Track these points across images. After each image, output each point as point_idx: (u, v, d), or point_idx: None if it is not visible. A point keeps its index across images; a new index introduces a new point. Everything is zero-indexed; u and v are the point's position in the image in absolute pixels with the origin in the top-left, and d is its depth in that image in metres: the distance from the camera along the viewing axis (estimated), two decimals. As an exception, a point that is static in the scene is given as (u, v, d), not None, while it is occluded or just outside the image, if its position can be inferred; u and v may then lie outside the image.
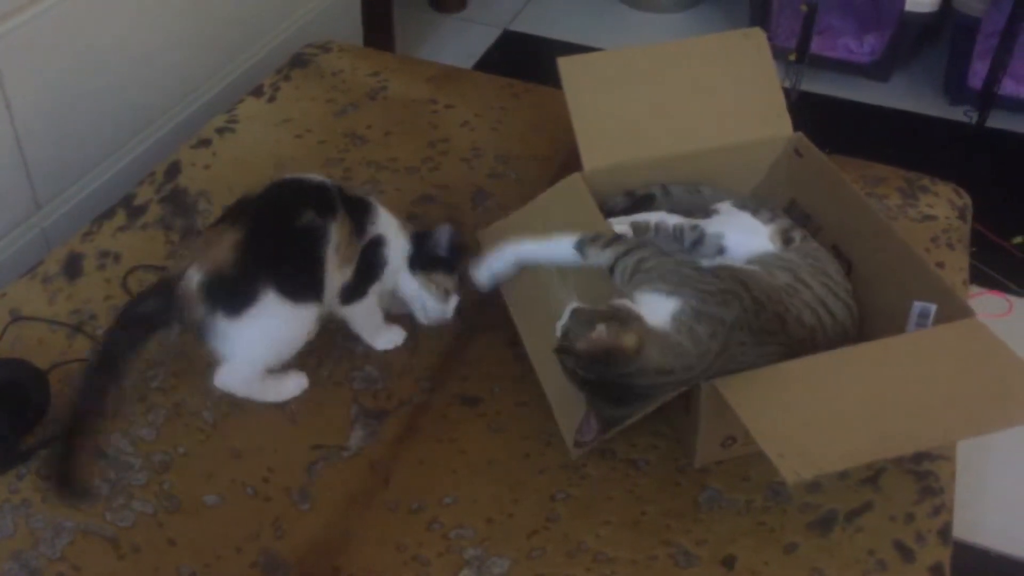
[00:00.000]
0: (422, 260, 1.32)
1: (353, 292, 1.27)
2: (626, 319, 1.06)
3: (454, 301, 1.33)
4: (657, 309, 1.09)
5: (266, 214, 1.22)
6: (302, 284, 1.21)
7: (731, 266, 1.22)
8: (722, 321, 1.08)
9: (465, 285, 1.34)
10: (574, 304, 1.09)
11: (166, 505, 1.13)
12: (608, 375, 1.05)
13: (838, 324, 1.20)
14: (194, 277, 1.17)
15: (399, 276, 1.32)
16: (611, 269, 1.19)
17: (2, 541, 1.08)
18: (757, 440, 1.01)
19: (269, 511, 1.13)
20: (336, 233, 1.22)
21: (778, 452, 1.00)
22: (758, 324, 1.12)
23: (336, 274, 1.24)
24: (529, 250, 1.30)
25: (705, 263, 1.24)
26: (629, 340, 1.04)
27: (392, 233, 1.31)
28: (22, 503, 1.12)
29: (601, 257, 1.20)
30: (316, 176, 1.29)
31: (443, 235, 1.33)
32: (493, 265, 1.32)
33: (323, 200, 1.24)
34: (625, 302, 1.10)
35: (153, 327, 1.20)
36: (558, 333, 1.08)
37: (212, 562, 1.08)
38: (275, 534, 1.11)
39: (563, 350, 1.07)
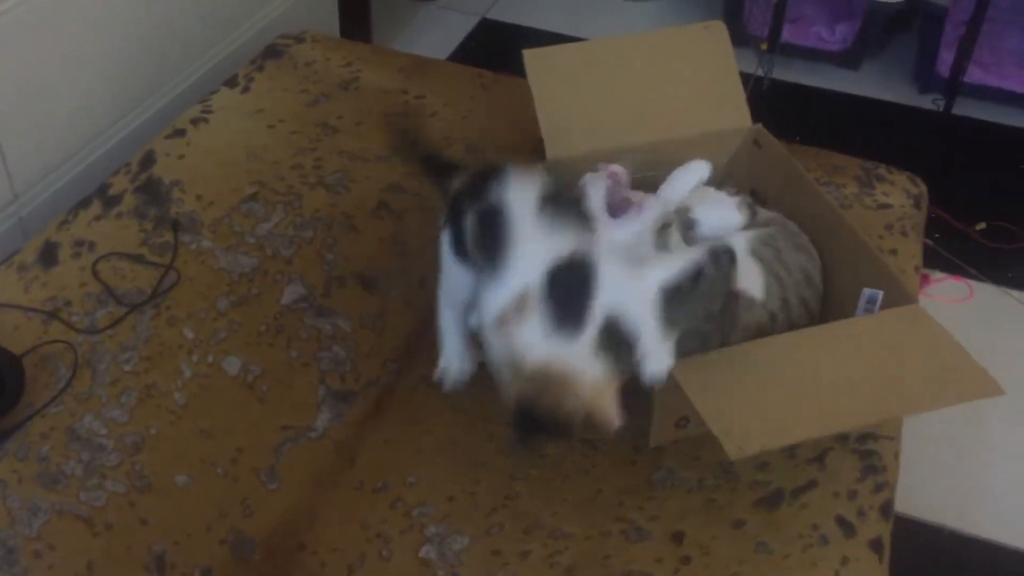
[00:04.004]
0: None
1: None
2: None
3: None
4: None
5: None
6: None
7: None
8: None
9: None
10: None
11: (138, 485, 1.17)
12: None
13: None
14: None
15: None
16: None
17: (-21, 520, 1.12)
18: (704, 418, 1.06)
19: (237, 491, 1.18)
20: None
21: (723, 429, 1.05)
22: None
23: None
24: None
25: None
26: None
27: None
28: (-2, 484, 1.16)
29: None
30: None
31: None
32: None
33: None
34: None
35: None
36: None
37: (182, 540, 1.12)
38: (243, 513, 1.15)
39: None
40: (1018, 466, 1.79)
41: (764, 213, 1.36)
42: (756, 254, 1.27)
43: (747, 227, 1.31)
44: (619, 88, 1.49)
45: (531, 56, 1.46)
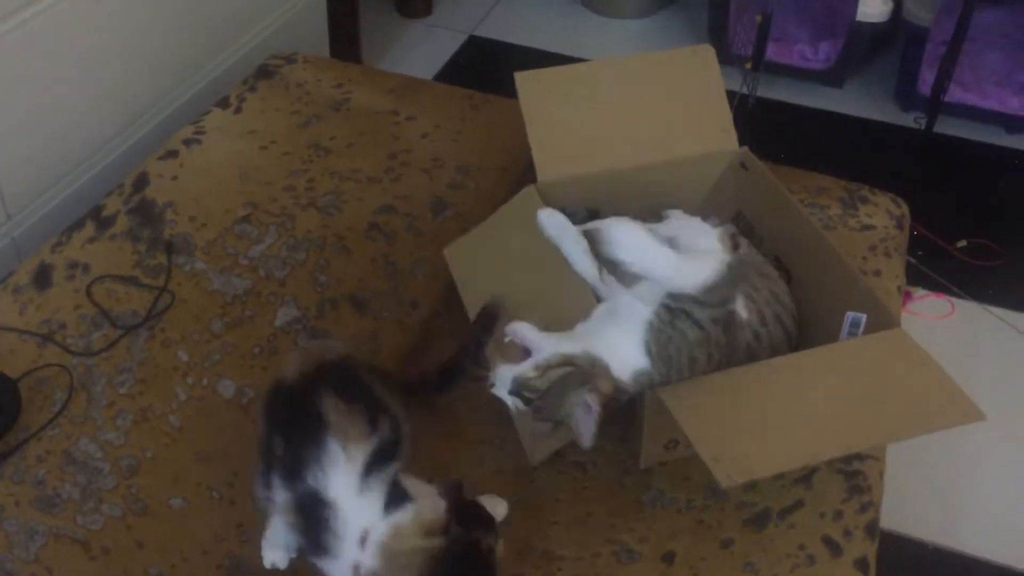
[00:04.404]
0: None
1: None
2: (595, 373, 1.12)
3: None
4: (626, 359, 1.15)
5: None
6: None
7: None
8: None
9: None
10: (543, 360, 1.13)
11: (134, 508, 1.18)
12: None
13: (776, 352, 1.27)
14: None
15: None
16: None
17: (-24, 544, 1.13)
18: (694, 445, 1.08)
19: (234, 514, 1.19)
20: None
21: (713, 456, 1.07)
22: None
23: None
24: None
25: None
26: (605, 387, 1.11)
27: None
28: (-5, 508, 1.17)
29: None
30: None
31: None
32: None
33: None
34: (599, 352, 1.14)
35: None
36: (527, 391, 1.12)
37: (179, 563, 1.14)
38: (240, 537, 1.16)
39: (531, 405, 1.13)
40: (999, 481, 1.82)
41: (745, 251, 1.38)
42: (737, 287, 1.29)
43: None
44: (609, 111, 1.52)
45: (523, 79, 1.48)
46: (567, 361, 1.12)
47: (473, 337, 1.19)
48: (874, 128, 2.70)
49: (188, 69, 1.94)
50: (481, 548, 1.04)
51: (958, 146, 2.64)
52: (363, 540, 1.02)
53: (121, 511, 1.18)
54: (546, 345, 1.14)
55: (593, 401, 1.08)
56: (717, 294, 1.17)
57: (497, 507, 1.16)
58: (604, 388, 1.11)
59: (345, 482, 1.03)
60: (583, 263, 1.25)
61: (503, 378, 1.13)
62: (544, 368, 1.11)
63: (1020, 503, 1.78)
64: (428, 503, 1.06)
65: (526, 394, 1.12)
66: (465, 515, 1.05)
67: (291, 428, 1.06)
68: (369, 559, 1.02)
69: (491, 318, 1.20)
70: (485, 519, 1.08)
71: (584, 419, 1.09)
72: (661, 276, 1.16)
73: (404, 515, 1.04)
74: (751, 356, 1.24)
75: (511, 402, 1.14)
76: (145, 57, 1.82)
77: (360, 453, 1.04)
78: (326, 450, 1.03)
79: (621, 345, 1.15)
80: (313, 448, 1.03)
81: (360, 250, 1.55)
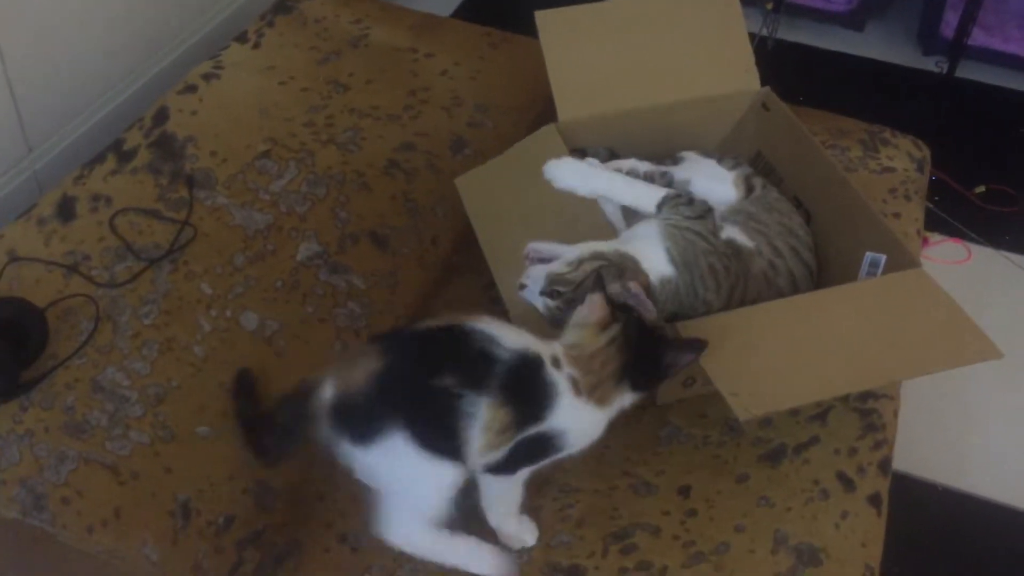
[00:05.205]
0: None
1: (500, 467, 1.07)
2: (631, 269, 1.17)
3: None
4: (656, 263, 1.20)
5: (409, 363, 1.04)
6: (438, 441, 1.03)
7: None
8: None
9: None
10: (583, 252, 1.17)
11: (161, 435, 1.21)
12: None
13: (796, 288, 1.28)
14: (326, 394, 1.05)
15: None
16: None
17: (10, 468, 1.16)
18: (712, 380, 1.10)
19: (258, 442, 1.21)
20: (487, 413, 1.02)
21: (731, 391, 1.08)
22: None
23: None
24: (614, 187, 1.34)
25: None
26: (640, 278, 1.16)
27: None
28: (26, 433, 1.19)
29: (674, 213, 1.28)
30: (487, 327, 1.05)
31: None
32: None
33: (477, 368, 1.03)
34: (627, 251, 1.19)
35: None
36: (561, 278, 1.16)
37: (206, 488, 1.16)
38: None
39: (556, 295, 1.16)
40: (1009, 424, 1.83)
41: (759, 193, 1.38)
42: (726, 221, 1.32)
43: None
44: (630, 51, 1.51)
45: (543, 18, 1.48)
46: (599, 256, 1.16)
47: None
48: (894, 72, 2.67)
49: (205, 2, 1.93)
50: (646, 321, 1.09)
51: (979, 91, 2.61)
52: (556, 363, 1.05)
53: (149, 438, 1.20)
54: (570, 252, 1.17)
55: (635, 287, 1.12)
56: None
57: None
58: (639, 278, 1.15)
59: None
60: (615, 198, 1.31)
61: (536, 276, 1.17)
62: (577, 263, 1.16)
63: (1022, 445, 1.80)
64: (583, 309, 1.08)
65: (560, 289, 1.15)
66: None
67: None
68: (574, 374, 1.04)
69: (244, 386, 1.21)
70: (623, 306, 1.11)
71: (637, 299, 1.12)
72: (617, 197, 1.29)
73: (573, 328, 1.08)
74: (769, 283, 1.25)
75: (541, 303, 1.17)
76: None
77: None
78: None
79: (646, 251, 1.19)
80: None
81: (380, 187, 1.56)
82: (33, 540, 1.14)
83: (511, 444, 1.03)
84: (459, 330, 1.04)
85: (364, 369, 1.02)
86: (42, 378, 1.24)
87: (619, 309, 1.09)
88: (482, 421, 1.01)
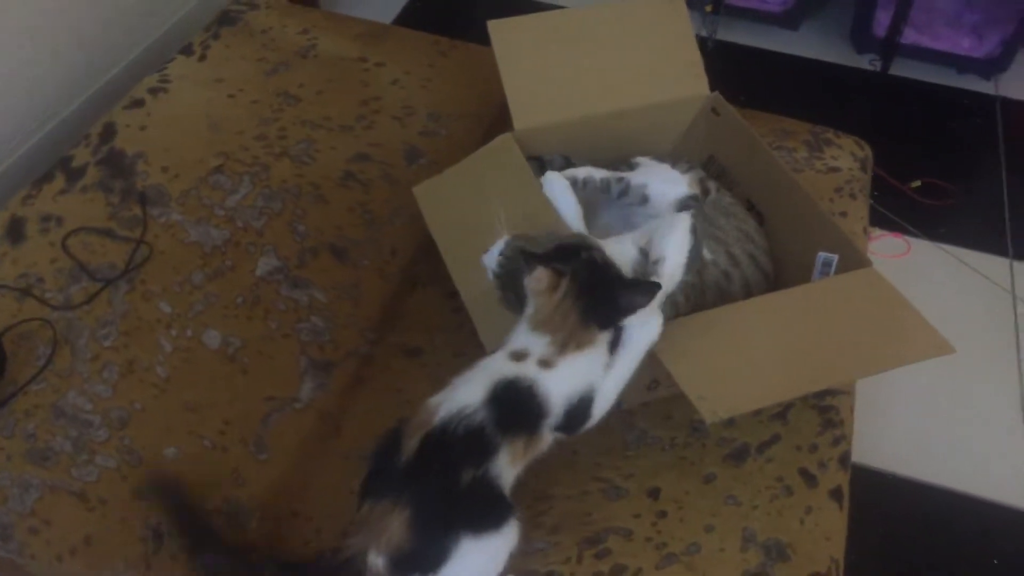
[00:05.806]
0: None
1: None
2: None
3: None
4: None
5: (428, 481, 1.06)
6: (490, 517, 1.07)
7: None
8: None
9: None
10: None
11: (128, 459, 1.19)
12: None
13: (752, 292, 1.31)
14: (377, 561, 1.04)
15: None
16: None
17: (-29, 499, 1.14)
18: (679, 384, 1.12)
19: (227, 461, 1.20)
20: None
21: (698, 395, 1.11)
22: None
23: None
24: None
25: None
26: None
27: None
28: (-13, 462, 1.17)
29: None
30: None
31: None
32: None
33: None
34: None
35: None
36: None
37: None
38: (235, 482, 1.18)
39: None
40: (953, 412, 1.90)
41: (715, 197, 1.42)
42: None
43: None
44: (583, 58, 1.53)
45: (496, 27, 1.48)
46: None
47: None
48: (830, 70, 2.74)
49: (146, 15, 1.90)
50: (595, 258, 1.12)
51: (911, 87, 2.69)
52: (519, 357, 1.09)
53: (116, 462, 1.19)
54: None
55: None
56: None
57: None
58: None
59: None
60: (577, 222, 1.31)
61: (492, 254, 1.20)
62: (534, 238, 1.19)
63: (973, 433, 1.86)
64: (530, 281, 1.11)
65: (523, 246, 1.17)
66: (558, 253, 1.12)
67: None
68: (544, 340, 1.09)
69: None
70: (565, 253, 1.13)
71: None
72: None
73: (531, 297, 1.11)
74: (722, 293, 1.28)
75: (495, 264, 1.20)
76: (101, 5, 1.78)
77: None
78: None
79: (618, 247, 1.20)
80: None
81: (336, 199, 1.55)
82: (0, 571, 1.12)
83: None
84: (434, 433, 1.05)
85: (399, 523, 1.02)
86: (1, 405, 1.22)
87: (565, 258, 1.11)
88: (506, 457, 1.07)
